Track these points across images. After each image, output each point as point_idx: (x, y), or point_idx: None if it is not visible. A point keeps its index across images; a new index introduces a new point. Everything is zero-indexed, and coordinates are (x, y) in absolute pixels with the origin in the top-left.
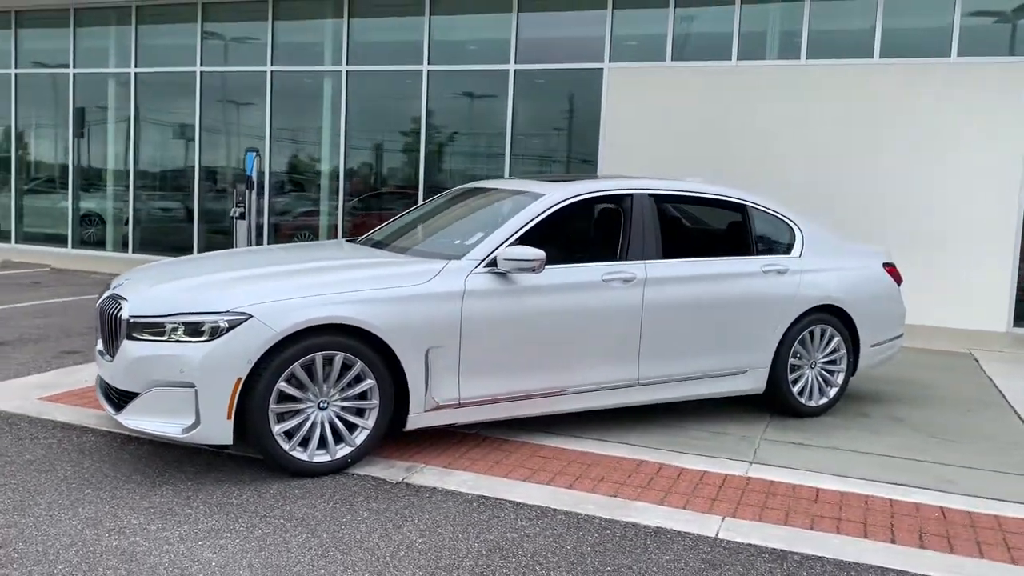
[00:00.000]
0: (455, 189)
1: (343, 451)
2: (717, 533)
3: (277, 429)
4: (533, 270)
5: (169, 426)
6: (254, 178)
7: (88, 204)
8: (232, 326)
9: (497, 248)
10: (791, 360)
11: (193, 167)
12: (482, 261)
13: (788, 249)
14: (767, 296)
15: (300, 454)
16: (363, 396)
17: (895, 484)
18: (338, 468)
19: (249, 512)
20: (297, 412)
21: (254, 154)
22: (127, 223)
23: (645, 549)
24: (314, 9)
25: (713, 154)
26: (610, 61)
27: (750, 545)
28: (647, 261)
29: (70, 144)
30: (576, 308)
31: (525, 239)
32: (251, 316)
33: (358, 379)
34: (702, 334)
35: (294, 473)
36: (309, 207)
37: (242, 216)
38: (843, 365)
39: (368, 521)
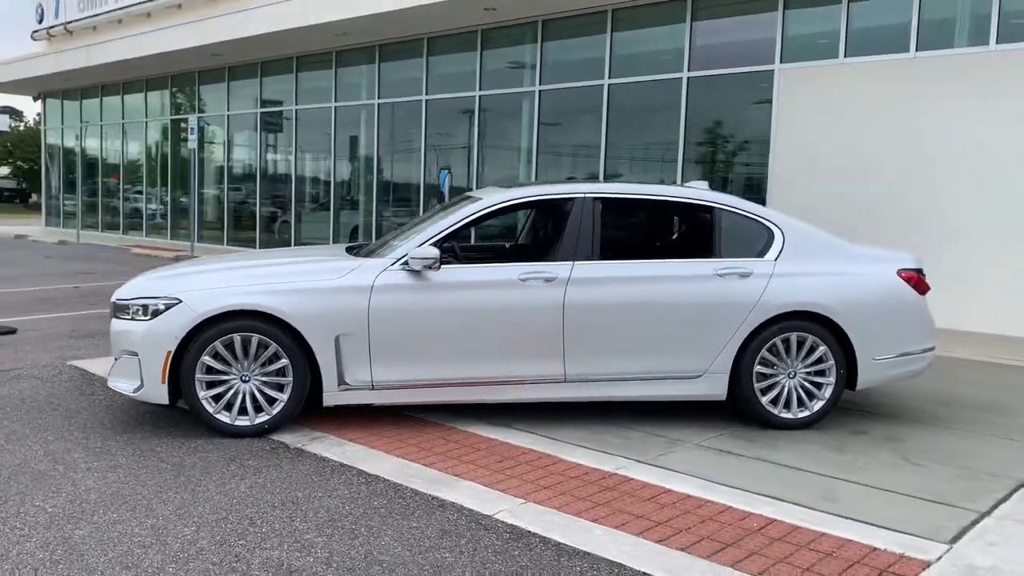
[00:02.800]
0: (456, 198)
1: (262, 418)
2: (495, 513)
3: (203, 395)
4: (430, 267)
5: (127, 386)
6: (445, 193)
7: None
8: (167, 308)
9: (414, 248)
10: (758, 368)
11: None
12: (400, 260)
13: (762, 252)
14: (720, 300)
15: (224, 417)
16: (281, 373)
17: (769, 498)
18: (257, 432)
19: (156, 458)
20: (223, 382)
21: (447, 172)
22: None
23: (407, 515)
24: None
25: (894, 152)
26: (781, 62)
27: (512, 526)
28: (577, 262)
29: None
30: (490, 305)
31: (450, 240)
32: (181, 301)
33: (274, 358)
34: (640, 335)
35: (223, 433)
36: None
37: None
38: (831, 378)
39: (231, 472)
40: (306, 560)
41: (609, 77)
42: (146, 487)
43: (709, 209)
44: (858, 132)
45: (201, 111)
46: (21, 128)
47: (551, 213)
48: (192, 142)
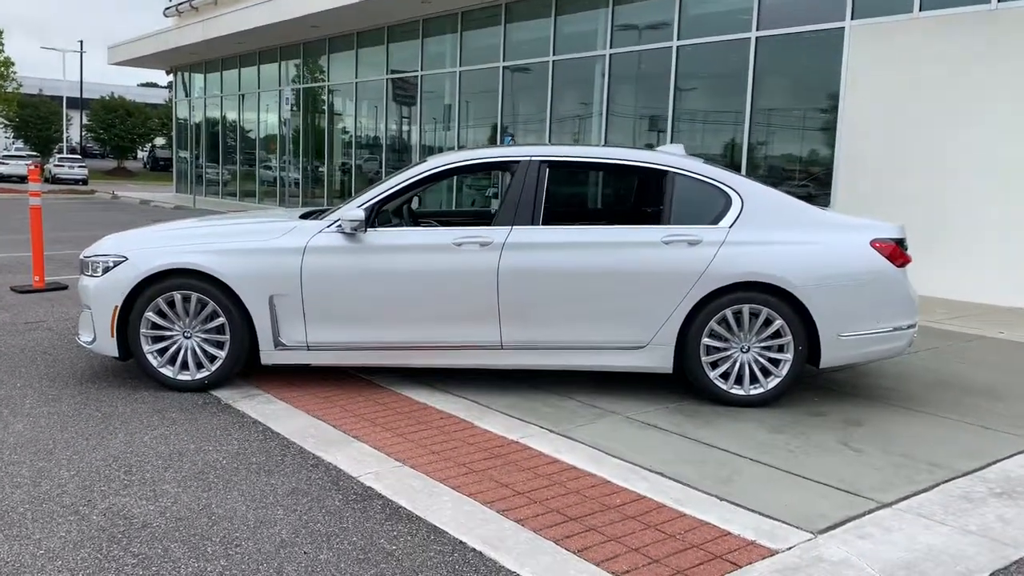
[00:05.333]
0: (415, 162)
1: (202, 374)
2: (361, 476)
3: (148, 349)
4: (356, 230)
5: (85, 339)
6: None
7: None
8: (115, 265)
9: (344, 211)
10: (706, 340)
11: None
12: (335, 222)
13: (717, 219)
14: (665, 269)
15: (168, 371)
16: (220, 331)
17: (655, 474)
18: (198, 387)
19: (94, 407)
20: (168, 338)
21: (510, 137)
22: None
23: (273, 473)
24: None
25: (968, 109)
26: (852, 18)
27: (367, 488)
28: (515, 227)
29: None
30: (423, 268)
31: (387, 204)
32: (127, 259)
33: (213, 316)
34: (578, 304)
35: (167, 387)
36: None
37: (495, 195)
38: (789, 354)
39: (149, 424)
40: (147, 508)
41: (677, 39)
42: (65, 433)
43: (662, 174)
44: (930, 85)
45: (322, 79)
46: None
47: (507, 178)
48: (286, 112)
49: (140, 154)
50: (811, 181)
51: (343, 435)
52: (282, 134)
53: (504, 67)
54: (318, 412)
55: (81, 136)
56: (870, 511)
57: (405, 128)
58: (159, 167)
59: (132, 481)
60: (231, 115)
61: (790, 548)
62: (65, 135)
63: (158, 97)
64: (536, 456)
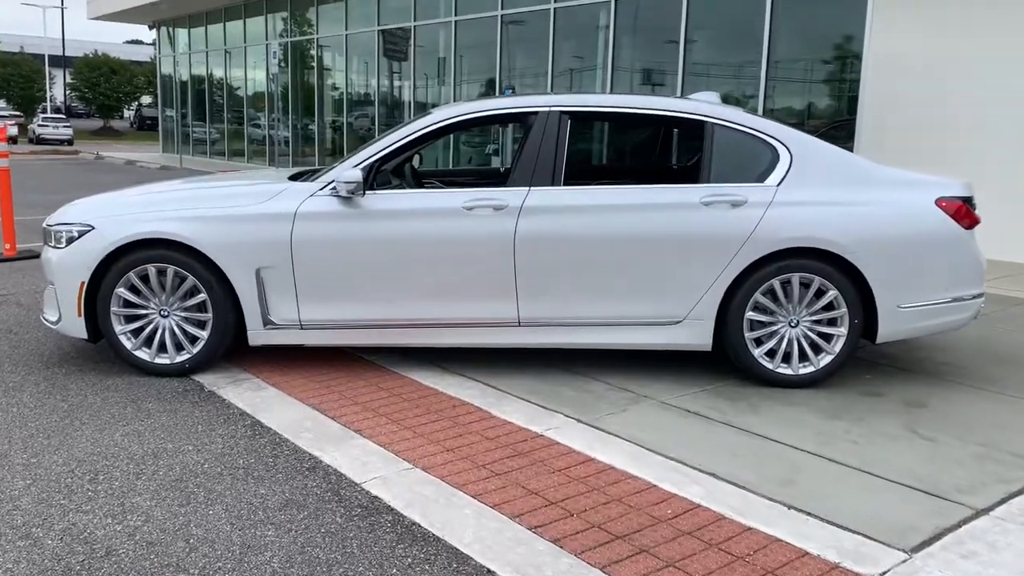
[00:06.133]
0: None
1: (183, 357)
2: (365, 481)
3: (120, 329)
4: (350, 194)
5: (51, 318)
6: None
7: None
8: (80, 235)
9: (339, 171)
10: (750, 314)
11: None
12: (328, 184)
13: (763, 177)
14: (705, 233)
15: (144, 354)
16: (201, 309)
17: (709, 475)
18: (178, 371)
19: (60, 396)
20: (140, 317)
21: (510, 91)
22: None
23: (263, 480)
24: None
25: (1003, 57)
26: None
27: (373, 498)
28: (533, 188)
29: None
30: (429, 236)
31: (387, 162)
32: (93, 228)
33: (194, 292)
34: (606, 274)
35: (144, 371)
36: None
37: (496, 152)
38: (843, 328)
39: (121, 417)
40: (112, 529)
41: None
42: (24, 430)
43: (699, 125)
44: (961, 33)
45: (310, 33)
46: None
47: (521, 132)
48: (274, 67)
49: (127, 113)
50: (832, 138)
51: (343, 429)
52: (270, 91)
53: (502, 16)
54: (314, 400)
55: (65, 95)
56: (966, 520)
57: (397, 84)
58: (146, 126)
59: (97, 492)
60: (217, 72)
61: (884, 574)
62: (48, 94)
63: (144, 55)
64: (567, 454)
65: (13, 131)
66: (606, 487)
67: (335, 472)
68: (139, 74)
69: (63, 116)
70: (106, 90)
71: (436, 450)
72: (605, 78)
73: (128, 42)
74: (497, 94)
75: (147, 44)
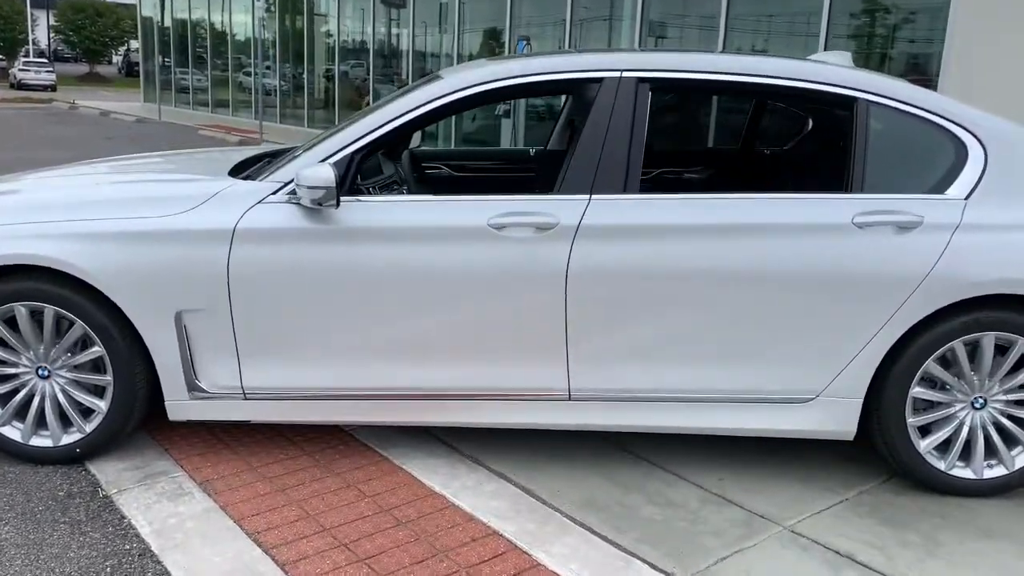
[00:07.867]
0: (420, 80)
1: (72, 437)
2: None
3: None
4: (318, 203)
5: None
6: None
7: None
8: None
9: (302, 168)
10: (916, 390)
11: None
12: (287, 184)
13: (943, 185)
14: (858, 270)
15: (13, 433)
16: (98, 367)
17: None
18: (65, 457)
19: None
20: (8, 378)
21: (524, 42)
22: None
23: None
24: None
25: None
26: None
27: None
28: (595, 197)
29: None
30: (436, 268)
31: (375, 152)
32: None
33: (86, 343)
34: (699, 327)
35: (14, 456)
36: None
37: (507, 115)
38: None
39: None
40: None
41: None
42: None
43: (847, 102)
44: None
45: None
46: None
47: (573, 106)
48: (261, 11)
49: (115, 59)
50: None
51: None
52: (259, 37)
53: None
54: (259, 521)
55: (49, 38)
56: None
57: (395, 31)
58: (135, 73)
59: None
60: (202, 14)
61: None
62: (31, 37)
63: None
64: None
65: None
66: None
67: None
68: (126, 17)
69: (46, 60)
70: (92, 34)
71: None
72: (633, 31)
73: None
74: (510, 47)
75: None
